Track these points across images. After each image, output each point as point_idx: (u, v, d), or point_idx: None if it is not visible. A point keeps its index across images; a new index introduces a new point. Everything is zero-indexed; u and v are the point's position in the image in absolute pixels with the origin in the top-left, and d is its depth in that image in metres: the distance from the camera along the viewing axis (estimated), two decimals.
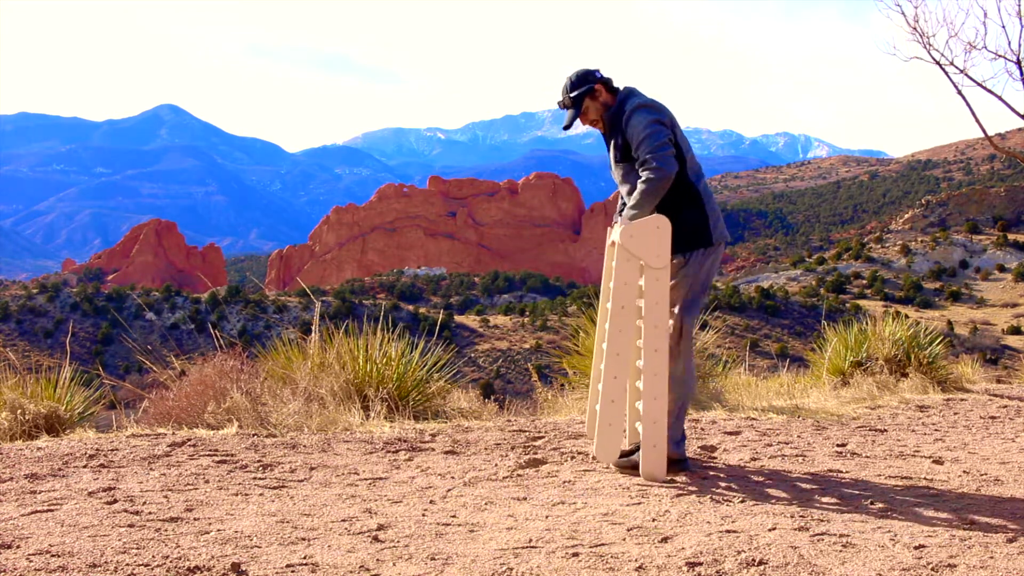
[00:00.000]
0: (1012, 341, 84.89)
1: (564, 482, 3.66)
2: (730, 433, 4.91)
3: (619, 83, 4.00)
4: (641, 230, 3.68)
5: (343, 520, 3.00)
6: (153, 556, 2.55)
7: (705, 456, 4.30)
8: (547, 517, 3.09)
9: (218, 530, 2.84)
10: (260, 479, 3.61)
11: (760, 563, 2.56)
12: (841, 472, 3.95)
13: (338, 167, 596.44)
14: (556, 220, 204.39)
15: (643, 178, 3.72)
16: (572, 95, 3.89)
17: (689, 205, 3.84)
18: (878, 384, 7.08)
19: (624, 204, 4.02)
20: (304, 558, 2.58)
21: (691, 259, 3.86)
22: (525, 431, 4.85)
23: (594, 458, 4.00)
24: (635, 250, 3.68)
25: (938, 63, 10.49)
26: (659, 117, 3.78)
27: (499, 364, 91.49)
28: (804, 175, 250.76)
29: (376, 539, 2.78)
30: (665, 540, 2.79)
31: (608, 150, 4.00)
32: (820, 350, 7.95)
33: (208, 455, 4.00)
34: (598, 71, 3.92)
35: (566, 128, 3.98)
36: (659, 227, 3.69)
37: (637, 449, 3.84)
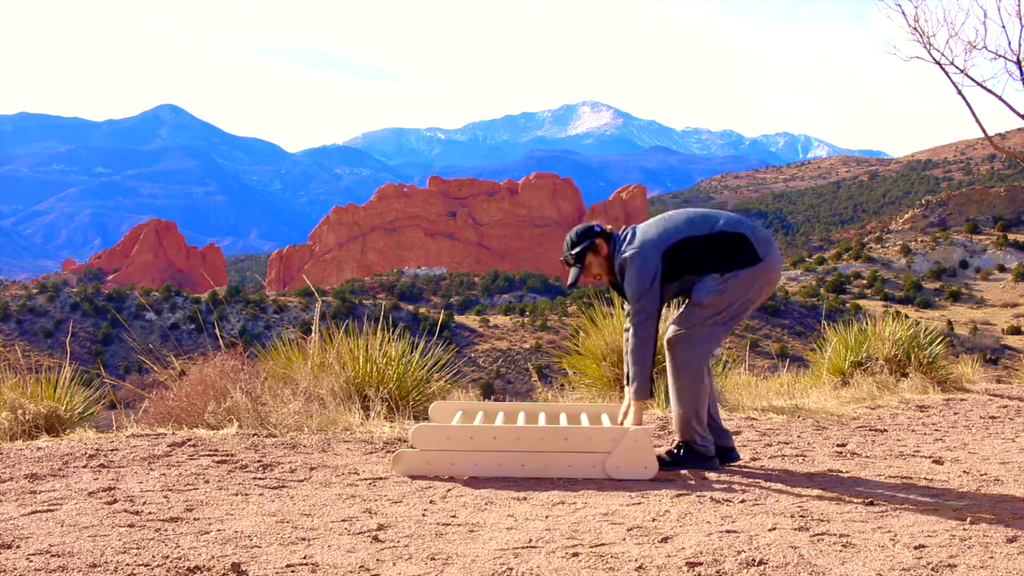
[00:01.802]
0: (1012, 341, 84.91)
1: (564, 482, 3.66)
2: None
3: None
4: (624, 457, 3.73)
5: (343, 520, 3.00)
6: (153, 556, 2.55)
7: None
8: (547, 517, 3.09)
9: (218, 530, 2.84)
10: (260, 479, 3.61)
11: (760, 563, 2.56)
12: (841, 472, 3.96)
13: (338, 167, 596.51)
14: (556, 220, 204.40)
15: (629, 346, 3.89)
16: (574, 252, 3.98)
17: (736, 247, 3.90)
18: (878, 384, 7.09)
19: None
20: (304, 558, 2.58)
21: (733, 278, 3.89)
22: None
23: None
24: (625, 476, 3.73)
25: (938, 63, 10.50)
26: (644, 265, 3.85)
27: (499, 364, 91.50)
28: (804, 175, 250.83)
29: (376, 539, 2.78)
30: (665, 540, 2.79)
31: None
32: (820, 350, 7.95)
33: (208, 455, 4.00)
34: (598, 225, 4.01)
35: (571, 287, 4.08)
36: (637, 440, 3.75)
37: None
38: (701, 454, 3.94)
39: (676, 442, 4.00)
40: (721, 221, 3.97)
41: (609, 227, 4.06)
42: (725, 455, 4.08)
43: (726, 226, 3.95)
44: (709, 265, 3.90)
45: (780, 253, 4.06)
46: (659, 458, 3.89)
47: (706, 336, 3.91)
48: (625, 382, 4.03)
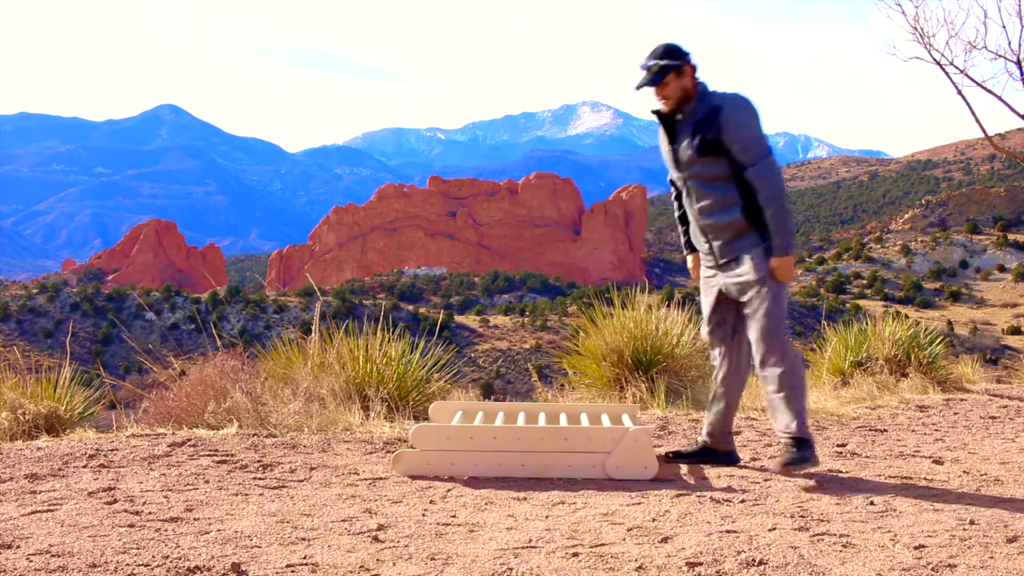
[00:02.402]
0: (1012, 341, 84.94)
1: (564, 482, 3.66)
2: None
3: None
4: (624, 457, 3.71)
5: (343, 520, 3.00)
6: (153, 556, 2.55)
7: None
8: (547, 517, 3.09)
9: (218, 530, 2.84)
10: (260, 479, 3.61)
11: (760, 563, 2.56)
12: (841, 472, 3.95)
13: (338, 167, 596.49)
14: (556, 220, 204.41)
15: (774, 205, 3.65)
16: (661, 63, 3.71)
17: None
18: (878, 384, 7.08)
19: (698, 210, 3.82)
20: (304, 558, 2.58)
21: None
22: None
23: None
24: (625, 476, 3.71)
25: (938, 63, 10.50)
26: (759, 120, 3.69)
27: (499, 364, 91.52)
28: (804, 175, 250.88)
29: (376, 539, 2.78)
30: (665, 540, 2.79)
31: (668, 137, 3.83)
32: (820, 350, 7.95)
33: (208, 455, 4.00)
34: (691, 54, 3.77)
35: (637, 88, 3.78)
36: (637, 440, 3.73)
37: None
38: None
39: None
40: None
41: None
42: (727, 457, 4.08)
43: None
44: (756, 219, 3.72)
45: None
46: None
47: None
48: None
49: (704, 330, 4.02)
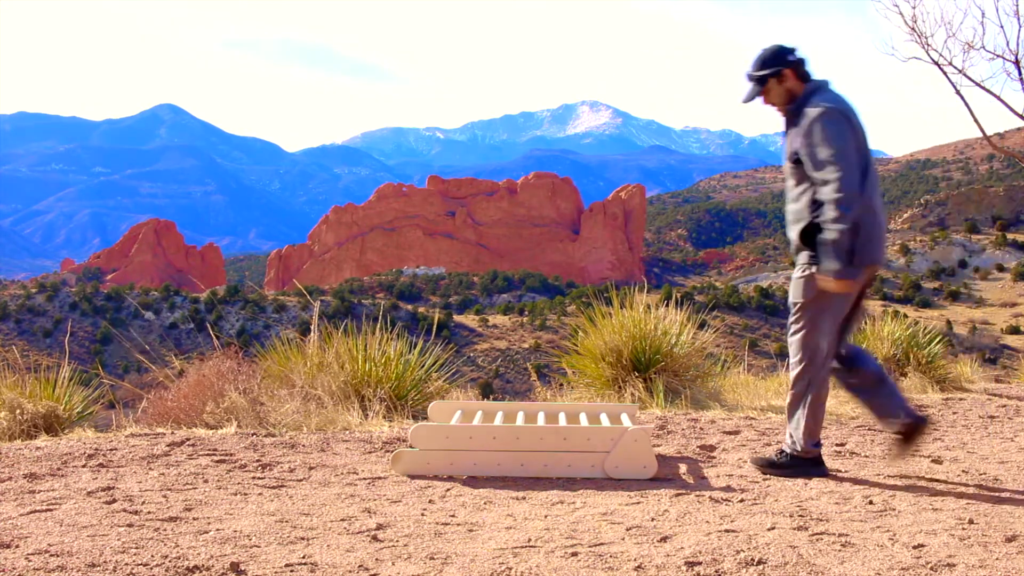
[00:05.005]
0: (1011, 340, 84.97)
1: (563, 481, 3.66)
2: (729, 432, 4.91)
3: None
4: (622, 457, 3.73)
5: (342, 519, 3.00)
6: (152, 556, 2.55)
7: (704, 456, 4.30)
8: (546, 516, 3.09)
9: (217, 529, 2.84)
10: (259, 478, 3.61)
11: (759, 562, 2.56)
12: (840, 471, 3.96)
13: (337, 167, 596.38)
14: (555, 220, 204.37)
15: (827, 225, 3.51)
16: (758, 73, 3.73)
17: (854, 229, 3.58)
18: None
19: (787, 211, 3.79)
20: (303, 557, 2.58)
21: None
22: None
23: None
24: (624, 476, 3.73)
25: (936, 63, 10.51)
26: (846, 131, 3.55)
27: (498, 364, 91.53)
28: None
29: (375, 538, 2.78)
30: (664, 539, 2.79)
31: (784, 137, 3.81)
32: None
33: (207, 455, 4.00)
34: (794, 52, 3.73)
35: (745, 102, 3.80)
36: (636, 440, 3.74)
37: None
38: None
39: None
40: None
41: (805, 58, 3.74)
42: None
43: (868, 193, 3.57)
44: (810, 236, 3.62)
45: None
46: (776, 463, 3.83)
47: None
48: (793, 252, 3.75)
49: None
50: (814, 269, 3.63)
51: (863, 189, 3.54)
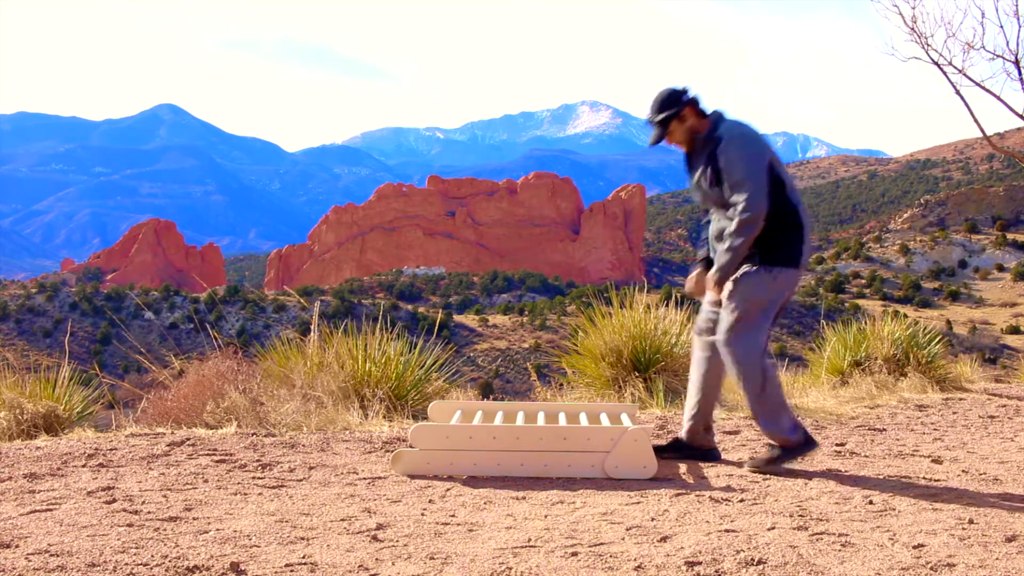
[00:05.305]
0: (1011, 340, 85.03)
1: (563, 481, 3.66)
2: (729, 432, 4.91)
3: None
4: (622, 456, 3.73)
5: (342, 519, 3.00)
6: (152, 556, 2.55)
7: None
8: (546, 516, 3.09)
9: (217, 529, 2.84)
10: (259, 478, 3.61)
11: (759, 562, 2.56)
12: (840, 471, 3.96)
13: (337, 167, 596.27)
14: (555, 220, 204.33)
15: (733, 227, 3.74)
16: (658, 118, 3.89)
17: (788, 227, 3.81)
18: (877, 384, 7.08)
19: (706, 239, 4.05)
20: (303, 557, 2.58)
21: (770, 272, 3.81)
22: None
23: None
24: (624, 476, 3.73)
25: (936, 63, 10.51)
26: (756, 151, 3.77)
27: (498, 364, 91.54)
28: (803, 175, 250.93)
29: (375, 538, 2.78)
30: (664, 539, 2.79)
31: (688, 171, 4.00)
32: (819, 349, 7.95)
33: (207, 454, 4.00)
34: (687, 92, 3.89)
35: (651, 145, 3.98)
36: (636, 439, 3.74)
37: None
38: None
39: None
40: (788, 185, 3.87)
41: (698, 96, 3.92)
42: (708, 454, 4.13)
43: (792, 195, 3.87)
44: (758, 243, 3.79)
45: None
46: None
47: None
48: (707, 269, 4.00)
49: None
50: (754, 269, 3.82)
51: (792, 198, 3.80)
